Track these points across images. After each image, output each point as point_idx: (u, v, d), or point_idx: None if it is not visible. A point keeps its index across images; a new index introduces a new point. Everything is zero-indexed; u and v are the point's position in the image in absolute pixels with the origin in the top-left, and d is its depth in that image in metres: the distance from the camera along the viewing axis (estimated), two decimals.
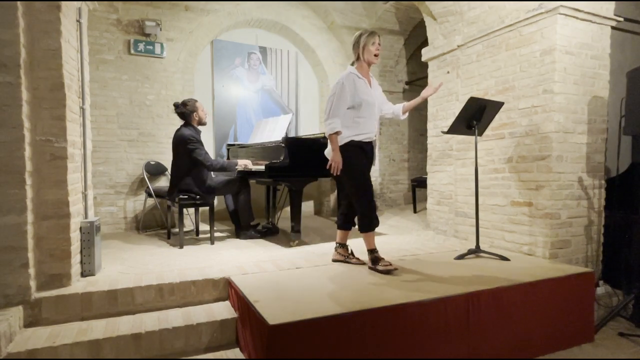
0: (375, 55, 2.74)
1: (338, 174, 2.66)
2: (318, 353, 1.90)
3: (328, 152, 2.78)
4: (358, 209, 2.74)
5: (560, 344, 2.56)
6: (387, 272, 2.62)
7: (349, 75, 2.72)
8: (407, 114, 2.95)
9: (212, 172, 3.85)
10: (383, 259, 2.72)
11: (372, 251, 2.75)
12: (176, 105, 3.74)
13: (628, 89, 2.94)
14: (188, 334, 2.22)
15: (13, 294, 2.16)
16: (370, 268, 2.75)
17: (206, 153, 3.65)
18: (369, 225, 2.73)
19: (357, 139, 2.70)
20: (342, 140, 2.70)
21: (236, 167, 3.73)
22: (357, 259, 2.90)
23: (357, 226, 2.82)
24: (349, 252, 2.94)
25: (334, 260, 2.96)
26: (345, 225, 2.94)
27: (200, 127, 3.81)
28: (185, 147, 3.59)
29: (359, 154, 2.71)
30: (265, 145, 3.96)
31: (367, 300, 2.13)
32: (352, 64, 2.81)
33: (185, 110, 3.71)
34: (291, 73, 5.81)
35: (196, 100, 3.78)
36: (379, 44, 2.75)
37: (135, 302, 2.39)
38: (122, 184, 4.60)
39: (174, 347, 2.19)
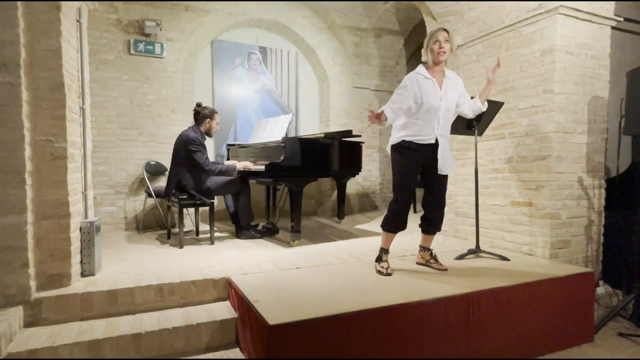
0: (439, 54, 2.58)
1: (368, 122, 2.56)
2: (318, 353, 1.90)
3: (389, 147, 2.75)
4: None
5: (560, 344, 2.56)
6: (379, 273, 2.66)
7: (413, 75, 2.65)
8: (486, 102, 2.81)
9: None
10: (385, 261, 2.73)
11: (380, 249, 2.78)
12: (198, 104, 3.81)
13: (628, 89, 2.94)
14: (188, 334, 2.22)
15: (13, 294, 2.16)
16: (375, 262, 2.78)
17: (207, 158, 3.66)
18: (386, 224, 2.73)
19: (409, 139, 2.62)
20: (396, 139, 2.67)
21: (234, 171, 3.73)
22: (440, 264, 2.80)
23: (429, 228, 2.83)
24: (430, 256, 2.86)
25: (417, 263, 2.92)
26: (423, 227, 2.85)
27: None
28: (187, 147, 3.59)
29: (408, 156, 2.63)
30: (265, 145, 3.96)
31: (367, 300, 2.13)
32: (426, 65, 2.69)
33: (202, 112, 3.76)
34: (291, 73, 5.81)
35: (216, 112, 3.85)
36: (446, 40, 2.58)
37: (135, 302, 2.39)
38: (122, 184, 4.60)
39: (174, 347, 2.19)
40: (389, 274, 2.63)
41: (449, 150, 2.71)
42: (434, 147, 2.63)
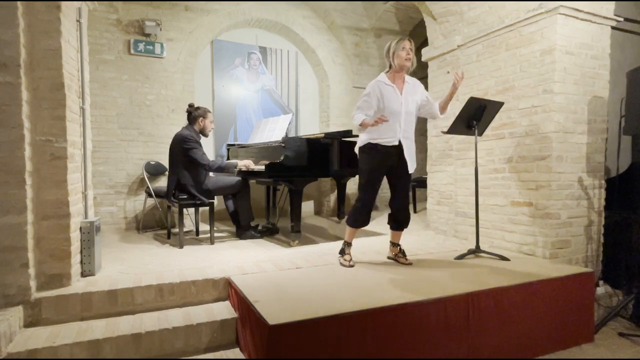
0: (407, 60, 2.74)
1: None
2: (318, 353, 1.90)
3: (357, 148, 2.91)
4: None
5: (560, 344, 2.56)
6: (342, 266, 2.86)
7: (376, 83, 2.81)
8: (446, 110, 2.90)
9: (211, 174, 3.85)
10: (348, 254, 2.92)
11: (344, 243, 3.00)
12: (190, 105, 3.82)
13: (628, 89, 2.94)
14: (188, 334, 2.22)
15: (13, 294, 2.16)
16: (339, 254, 2.99)
17: (204, 154, 3.65)
18: (351, 219, 2.92)
19: (374, 141, 2.78)
20: (363, 141, 2.84)
21: (235, 168, 3.73)
22: (405, 259, 2.97)
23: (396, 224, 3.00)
24: (398, 250, 3.02)
25: (388, 257, 3.09)
26: (392, 225, 3.01)
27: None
28: (182, 146, 3.59)
29: (373, 157, 2.78)
30: (266, 145, 3.96)
31: (367, 300, 2.13)
32: (387, 72, 2.85)
33: (194, 112, 3.76)
34: (291, 73, 5.81)
35: (209, 111, 3.85)
36: (410, 49, 2.76)
37: (135, 302, 2.39)
38: (122, 184, 4.60)
39: (174, 347, 2.19)
40: (352, 266, 2.83)
41: (413, 150, 2.87)
42: (398, 148, 2.80)
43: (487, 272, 2.68)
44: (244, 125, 5.48)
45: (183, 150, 3.59)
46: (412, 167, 2.84)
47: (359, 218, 2.89)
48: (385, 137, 2.77)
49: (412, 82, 2.88)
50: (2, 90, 2.11)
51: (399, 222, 2.96)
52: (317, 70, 5.96)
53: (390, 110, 2.75)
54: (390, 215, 3.01)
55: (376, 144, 2.78)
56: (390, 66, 2.80)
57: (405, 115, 2.80)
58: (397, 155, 2.80)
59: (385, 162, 2.81)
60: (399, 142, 2.79)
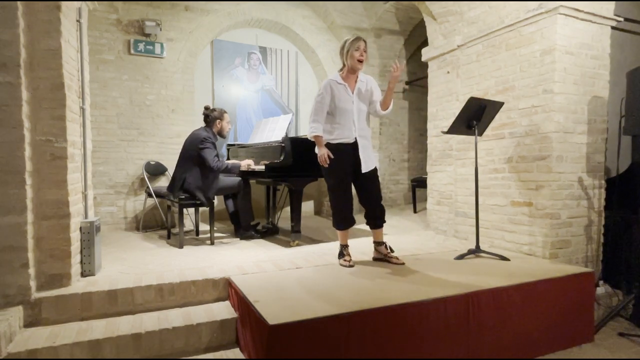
0: (360, 61, 2.78)
1: (327, 165, 2.78)
2: (318, 353, 1.90)
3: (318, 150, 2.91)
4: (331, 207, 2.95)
5: (560, 344, 2.56)
6: (343, 266, 2.84)
7: (328, 82, 2.83)
8: (389, 108, 2.91)
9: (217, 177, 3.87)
10: (347, 255, 2.91)
11: (340, 246, 2.97)
12: (206, 107, 3.84)
13: (628, 89, 2.94)
14: (188, 334, 2.22)
15: (13, 294, 2.16)
16: (338, 258, 2.95)
17: (216, 155, 3.67)
18: (335, 223, 2.92)
19: (333, 142, 2.82)
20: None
21: (239, 169, 3.75)
22: (397, 258, 2.93)
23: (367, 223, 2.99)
24: (387, 250, 2.98)
25: (374, 259, 3.04)
26: (370, 223, 2.99)
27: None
28: (197, 145, 3.61)
29: (337, 156, 2.78)
30: (265, 145, 3.96)
31: (367, 300, 2.13)
32: (340, 70, 2.88)
33: (211, 114, 3.79)
34: (291, 73, 5.81)
35: (225, 112, 3.88)
36: (364, 50, 2.80)
37: (135, 302, 2.39)
38: (122, 184, 4.60)
39: (174, 347, 2.19)
40: (352, 266, 2.82)
41: (369, 148, 2.89)
42: (355, 145, 2.83)
43: (487, 272, 2.68)
44: (244, 125, 5.48)
45: (197, 150, 3.61)
46: (366, 167, 2.82)
47: (342, 220, 2.89)
48: (342, 137, 2.82)
49: (365, 80, 2.91)
50: (2, 90, 2.11)
51: (375, 217, 2.93)
52: (317, 70, 5.96)
53: (342, 110, 2.80)
54: (365, 214, 2.98)
55: (335, 143, 2.80)
56: (344, 64, 2.83)
57: (357, 114, 2.84)
58: (355, 152, 2.82)
59: (348, 159, 2.82)
60: (355, 140, 2.82)
